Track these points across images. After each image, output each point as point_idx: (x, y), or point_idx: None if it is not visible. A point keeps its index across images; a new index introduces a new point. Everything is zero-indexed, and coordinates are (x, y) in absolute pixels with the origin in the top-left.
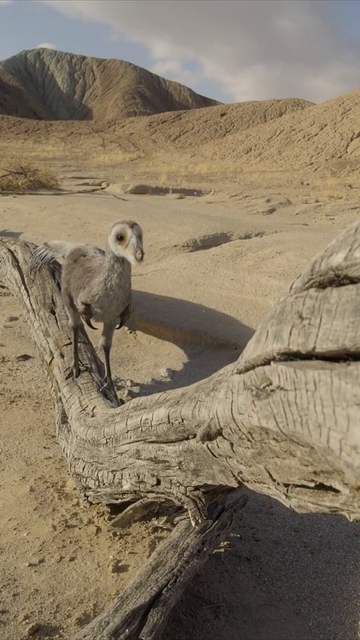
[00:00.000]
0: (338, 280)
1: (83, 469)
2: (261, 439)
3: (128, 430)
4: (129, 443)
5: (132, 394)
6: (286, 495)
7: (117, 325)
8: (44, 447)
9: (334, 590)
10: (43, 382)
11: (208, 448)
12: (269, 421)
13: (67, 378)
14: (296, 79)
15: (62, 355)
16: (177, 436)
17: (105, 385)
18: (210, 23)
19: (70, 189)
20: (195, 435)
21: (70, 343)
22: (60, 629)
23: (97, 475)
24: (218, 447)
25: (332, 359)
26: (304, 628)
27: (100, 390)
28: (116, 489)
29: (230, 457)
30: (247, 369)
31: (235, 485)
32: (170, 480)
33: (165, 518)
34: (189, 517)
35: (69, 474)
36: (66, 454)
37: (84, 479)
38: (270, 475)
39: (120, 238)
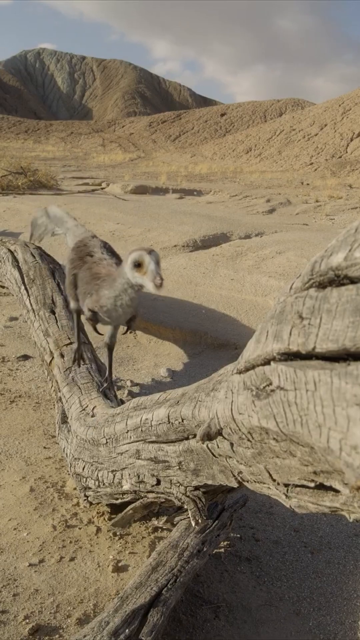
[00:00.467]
0: (338, 280)
1: (83, 469)
2: (261, 439)
3: (128, 430)
4: (129, 443)
5: (132, 394)
6: (286, 495)
7: (125, 329)
8: (44, 447)
9: (334, 590)
10: (43, 382)
11: (208, 448)
12: (269, 421)
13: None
14: (296, 79)
15: (62, 355)
16: (177, 436)
17: (105, 385)
18: (211, 23)
19: (70, 189)
20: (195, 435)
21: (71, 343)
22: (60, 629)
23: (97, 475)
24: (218, 447)
25: (332, 359)
26: (304, 628)
27: (100, 390)
28: (116, 489)
29: (230, 457)
30: (247, 369)
31: (235, 485)
32: (170, 480)
33: (165, 518)
34: (189, 517)
35: (69, 474)
36: (66, 454)
37: (84, 479)
38: (270, 475)
39: (137, 265)
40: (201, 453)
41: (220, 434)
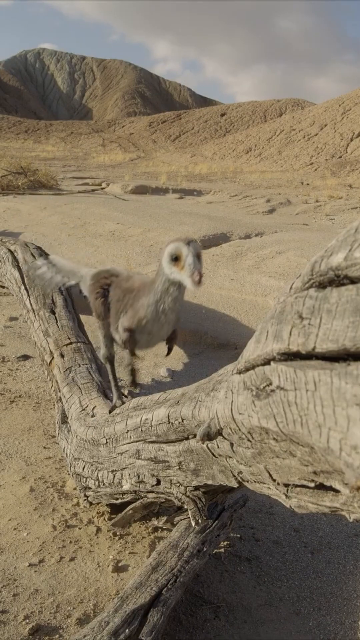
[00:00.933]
0: (338, 280)
1: (83, 469)
2: (261, 439)
3: (128, 430)
4: (129, 443)
5: (132, 394)
6: (286, 495)
7: (166, 352)
8: (44, 447)
9: (334, 590)
10: (43, 382)
11: (208, 448)
12: (269, 421)
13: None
14: (297, 79)
15: (62, 355)
16: (177, 436)
17: (118, 401)
18: (212, 23)
19: (70, 189)
20: (195, 435)
21: (71, 343)
22: (60, 629)
23: (97, 475)
24: (218, 447)
25: (332, 359)
26: (304, 628)
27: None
28: (116, 489)
29: (230, 457)
30: (247, 369)
31: (235, 485)
32: (170, 480)
33: (165, 518)
34: (189, 517)
35: (69, 474)
36: (66, 454)
37: (84, 479)
38: (270, 475)
39: (175, 259)
40: (201, 453)
41: (220, 434)
